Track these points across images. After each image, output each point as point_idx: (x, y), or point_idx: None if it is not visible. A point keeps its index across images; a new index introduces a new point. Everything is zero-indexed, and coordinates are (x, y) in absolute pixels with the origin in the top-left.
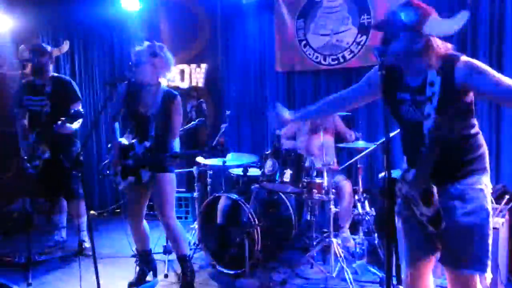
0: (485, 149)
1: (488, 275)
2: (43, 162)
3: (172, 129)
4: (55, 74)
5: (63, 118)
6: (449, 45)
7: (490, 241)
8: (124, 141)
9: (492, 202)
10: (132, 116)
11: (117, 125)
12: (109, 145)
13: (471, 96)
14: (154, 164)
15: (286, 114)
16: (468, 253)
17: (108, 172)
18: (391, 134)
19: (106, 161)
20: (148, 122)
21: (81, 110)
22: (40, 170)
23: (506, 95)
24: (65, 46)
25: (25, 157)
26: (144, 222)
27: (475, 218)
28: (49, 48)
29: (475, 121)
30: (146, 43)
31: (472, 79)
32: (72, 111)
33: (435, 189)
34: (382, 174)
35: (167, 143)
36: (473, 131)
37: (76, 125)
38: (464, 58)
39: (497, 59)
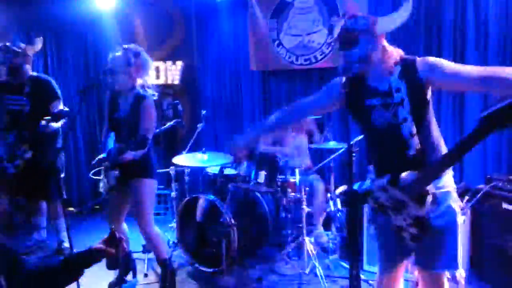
0: (444, 150)
1: (461, 271)
2: (24, 162)
3: (140, 132)
4: (34, 74)
5: (48, 118)
6: (400, 51)
7: (459, 238)
8: None
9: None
10: (110, 121)
11: (112, 135)
12: (100, 156)
13: (429, 95)
14: (126, 166)
15: (242, 143)
16: (442, 254)
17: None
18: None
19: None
20: (121, 125)
21: (66, 108)
22: (21, 170)
23: (470, 78)
24: (39, 44)
25: (4, 157)
26: (124, 224)
27: (446, 219)
28: (22, 45)
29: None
30: (122, 47)
31: (435, 72)
32: (56, 110)
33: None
34: (341, 189)
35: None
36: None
37: (59, 124)
38: (419, 58)
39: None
